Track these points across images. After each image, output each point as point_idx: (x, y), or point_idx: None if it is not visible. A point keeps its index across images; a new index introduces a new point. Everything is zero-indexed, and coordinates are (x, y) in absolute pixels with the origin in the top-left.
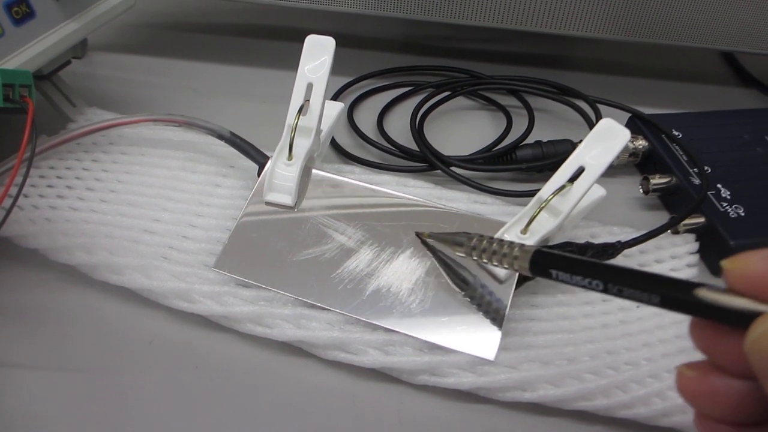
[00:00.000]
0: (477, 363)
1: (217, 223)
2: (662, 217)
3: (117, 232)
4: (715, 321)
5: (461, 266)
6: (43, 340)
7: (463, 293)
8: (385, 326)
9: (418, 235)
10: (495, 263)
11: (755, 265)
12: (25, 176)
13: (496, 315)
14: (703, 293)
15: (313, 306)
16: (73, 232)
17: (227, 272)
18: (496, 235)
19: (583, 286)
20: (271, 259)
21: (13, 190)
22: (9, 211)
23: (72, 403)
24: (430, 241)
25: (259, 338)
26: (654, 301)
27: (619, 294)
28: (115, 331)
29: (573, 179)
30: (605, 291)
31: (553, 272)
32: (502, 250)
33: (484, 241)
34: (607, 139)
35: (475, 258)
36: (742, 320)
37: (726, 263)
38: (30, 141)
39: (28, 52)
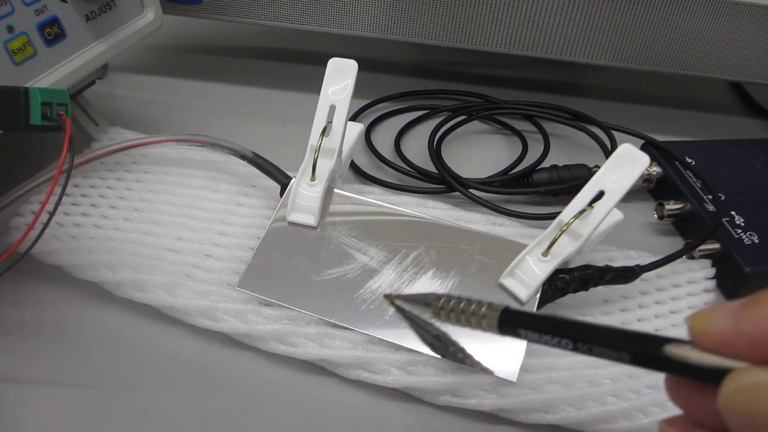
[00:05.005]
0: (499, 384)
1: (239, 242)
2: (676, 242)
3: (141, 250)
4: (687, 378)
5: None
6: (64, 356)
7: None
8: (407, 346)
9: (386, 297)
10: (464, 324)
11: (719, 321)
12: (61, 194)
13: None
14: (672, 351)
15: (336, 325)
16: (97, 250)
17: (251, 291)
18: (517, 258)
19: (553, 345)
20: (294, 278)
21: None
22: (44, 228)
23: (93, 421)
24: (397, 302)
25: (282, 357)
26: (624, 359)
27: (590, 353)
28: (137, 348)
29: (592, 203)
30: (575, 350)
31: (521, 331)
32: (470, 309)
33: (452, 301)
34: (627, 165)
35: (443, 320)
36: (713, 377)
37: (690, 320)
38: (68, 159)
39: (59, 72)
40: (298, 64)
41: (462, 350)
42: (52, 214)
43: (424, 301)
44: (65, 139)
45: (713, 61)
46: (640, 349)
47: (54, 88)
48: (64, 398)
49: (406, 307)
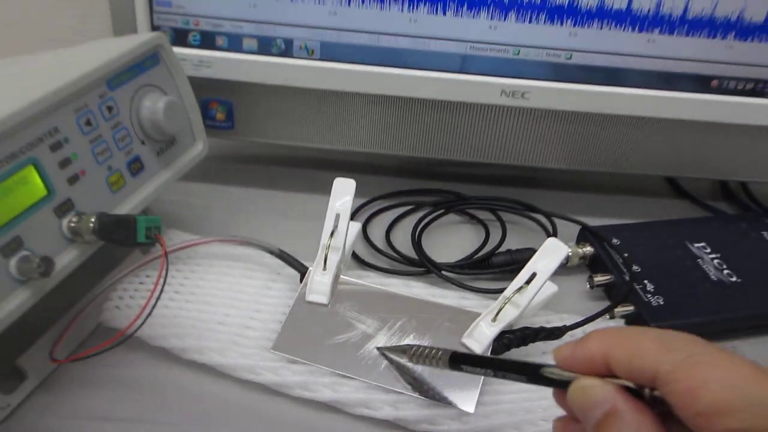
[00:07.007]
0: (462, 414)
1: (271, 317)
2: (604, 306)
3: (199, 324)
4: (557, 387)
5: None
6: (145, 402)
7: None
8: (396, 390)
9: (378, 349)
10: (428, 364)
11: (565, 351)
12: (161, 291)
13: (474, 380)
14: (545, 371)
15: (344, 376)
16: (167, 324)
17: (282, 352)
18: (473, 324)
19: (482, 374)
20: (313, 342)
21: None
22: (147, 316)
23: None
24: (385, 352)
25: (306, 400)
26: (522, 380)
27: (504, 377)
28: (199, 395)
29: (529, 282)
30: (495, 376)
31: (463, 366)
32: (431, 354)
33: (420, 349)
34: (552, 253)
35: (414, 361)
36: (566, 385)
37: (553, 352)
38: (165, 267)
39: (140, 195)
40: (310, 169)
41: (433, 389)
42: (153, 305)
43: (402, 349)
44: (162, 252)
45: (644, 162)
46: (529, 372)
47: (151, 216)
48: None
49: (391, 354)
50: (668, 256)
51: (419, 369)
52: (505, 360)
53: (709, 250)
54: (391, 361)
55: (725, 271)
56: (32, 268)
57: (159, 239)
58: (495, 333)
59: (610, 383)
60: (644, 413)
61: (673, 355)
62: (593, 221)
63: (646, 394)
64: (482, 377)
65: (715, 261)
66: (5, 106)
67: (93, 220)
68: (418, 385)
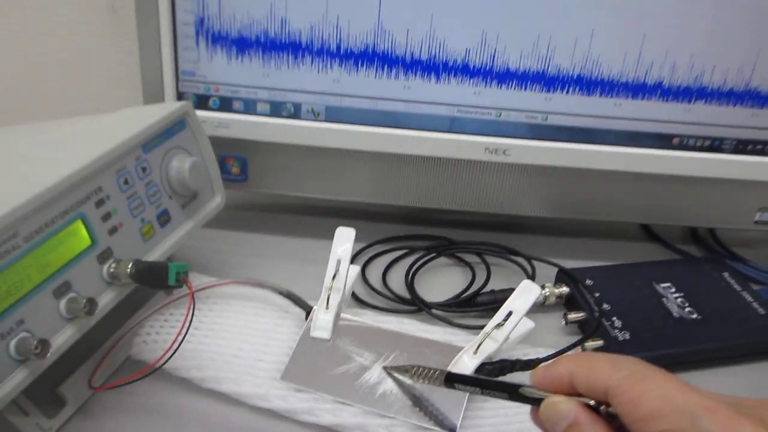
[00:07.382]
0: None
1: (280, 350)
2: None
3: (217, 357)
4: (532, 404)
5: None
6: (169, 426)
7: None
8: (389, 415)
9: (384, 368)
10: (427, 382)
11: (539, 372)
12: (187, 329)
13: (458, 404)
14: (524, 390)
15: (344, 403)
16: (189, 357)
17: (290, 382)
18: (457, 356)
19: (471, 392)
20: (317, 373)
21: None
22: (175, 350)
23: None
24: (391, 371)
25: (309, 423)
26: (504, 397)
27: (488, 395)
28: (217, 420)
29: (506, 319)
30: (482, 393)
31: (455, 385)
32: (428, 374)
33: (420, 369)
34: (526, 294)
35: (414, 380)
36: (540, 402)
37: (530, 374)
38: (192, 307)
39: (167, 243)
40: (316, 217)
41: (432, 405)
42: (181, 340)
43: (405, 368)
44: (189, 293)
45: (617, 210)
46: (510, 390)
47: (180, 263)
48: None
49: (395, 373)
50: (636, 295)
51: (418, 388)
52: (490, 380)
53: (673, 290)
54: (394, 379)
55: (687, 309)
56: (79, 308)
57: (187, 282)
58: (476, 364)
59: (573, 400)
60: (601, 425)
61: (619, 374)
62: (570, 263)
63: (602, 410)
64: (464, 406)
65: (678, 300)
66: (61, 169)
67: (130, 266)
68: (419, 402)
